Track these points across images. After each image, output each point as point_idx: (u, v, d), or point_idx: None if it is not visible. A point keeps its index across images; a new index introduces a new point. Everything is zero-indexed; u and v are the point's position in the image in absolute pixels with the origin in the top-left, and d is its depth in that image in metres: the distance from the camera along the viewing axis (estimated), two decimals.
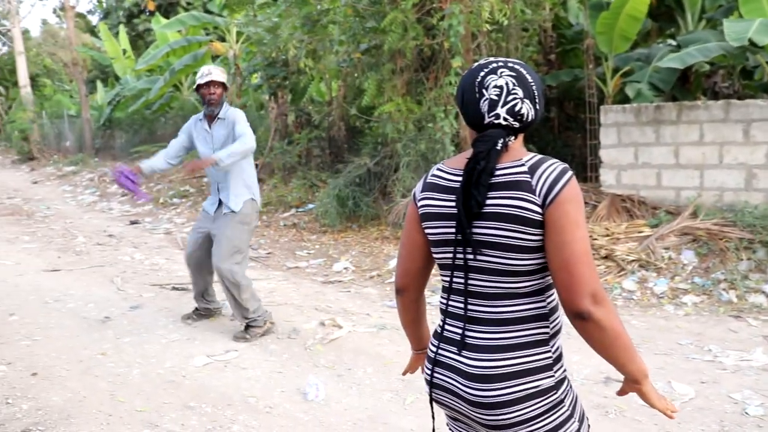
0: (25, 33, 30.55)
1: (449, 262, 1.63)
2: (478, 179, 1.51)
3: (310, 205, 9.94)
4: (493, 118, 1.54)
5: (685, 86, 8.09)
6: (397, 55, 7.46)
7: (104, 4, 29.22)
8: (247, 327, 4.81)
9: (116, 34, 21.12)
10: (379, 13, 7.35)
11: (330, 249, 8.00)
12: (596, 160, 7.56)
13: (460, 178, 1.59)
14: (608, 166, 7.31)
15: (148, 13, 25.98)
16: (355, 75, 8.58)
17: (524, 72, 1.57)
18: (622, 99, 7.84)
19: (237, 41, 13.64)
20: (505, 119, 1.54)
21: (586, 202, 7.33)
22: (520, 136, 1.62)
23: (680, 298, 5.44)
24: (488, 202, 1.51)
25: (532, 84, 1.56)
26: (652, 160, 7.02)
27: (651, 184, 7.03)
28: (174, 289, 6.28)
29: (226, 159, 4.45)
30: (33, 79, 27.06)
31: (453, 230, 1.60)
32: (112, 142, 19.01)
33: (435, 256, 1.70)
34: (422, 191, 1.70)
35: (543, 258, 1.52)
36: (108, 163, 17.23)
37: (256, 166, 11.82)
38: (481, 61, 1.62)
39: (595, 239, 6.34)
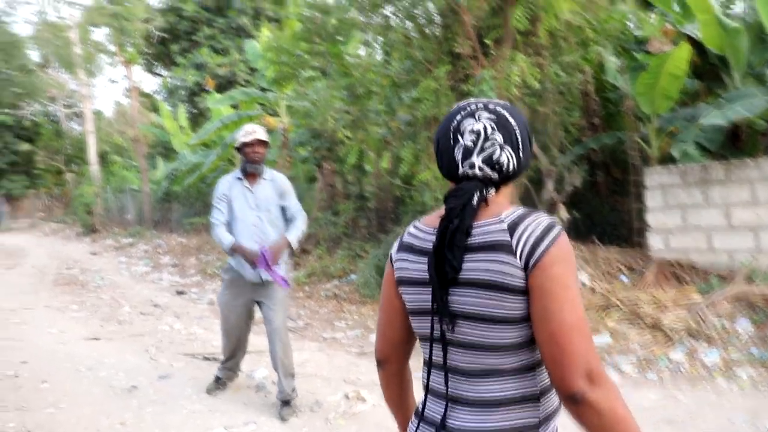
0: (98, 113, 32.33)
1: (427, 333, 1.43)
2: (451, 240, 1.32)
3: (353, 276, 9.85)
4: (467, 167, 1.38)
5: (736, 145, 7.76)
6: (432, 123, 7.45)
7: (169, 84, 30.75)
8: (286, 402, 4.62)
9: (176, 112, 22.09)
10: (413, 82, 7.40)
11: (368, 320, 7.84)
12: (643, 224, 7.26)
13: (433, 238, 1.41)
14: (655, 230, 7.00)
15: (208, 91, 27.22)
16: (394, 144, 8.60)
17: (507, 115, 1.40)
18: (669, 160, 7.58)
19: (286, 115, 14.02)
20: (480, 169, 1.37)
21: (632, 268, 7.01)
22: (504, 189, 1.44)
23: (734, 371, 5.02)
24: (465, 266, 1.32)
25: (515, 128, 1.39)
26: (701, 222, 6.69)
27: (701, 248, 6.67)
28: (205, 359, 6.22)
29: (297, 242, 4.62)
30: (103, 155, 28.42)
31: (429, 297, 1.40)
32: (170, 214, 19.58)
33: (413, 325, 1.51)
34: (398, 251, 1.52)
35: (530, 330, 1.31)
36: (164, 235, 17.71)
37: (303, 236, 12.07)
38: (461, 103, 1.46)
39: (641, 307, 6.00)
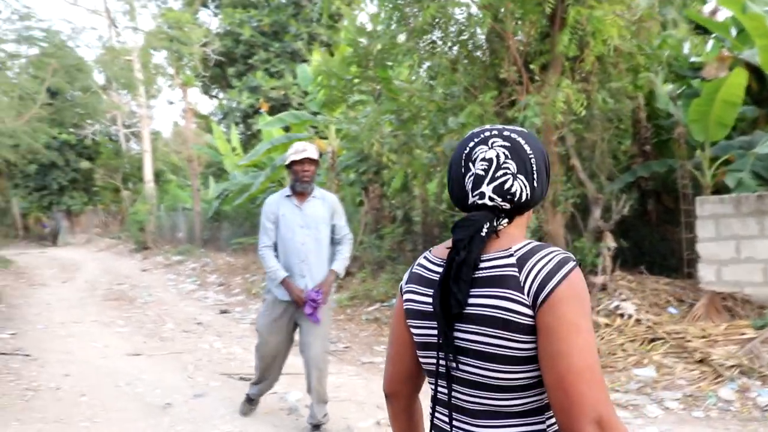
0: (157, 134, 33.34)
1: (433, 368, 1.37)
2: (457, 273, 1.26)
3: (395, 300, 9.77)
4: (477, 197, 1.31)
5: None
6: None
7: (224, 106, 31.50)
8: (316, 427, 4.55)
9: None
10: (458, 107, 7.35)
11: None
12: (693, 255, 6.99)
13: (441, 269, 1.35)
14: (706, 260, 6.73)
15: (262, 114, 27.79)
16: (438, 169, 8.55)
17: (522, 142, 1.34)
18: (723, 190, 7.30)
19: (335, 138, 14.14)
20: (491, 199, 1.30)
21: (681, 300, 6.75)
22: (518, 220, 1.36)
23: None
24: (471, 301, 1.25)
25: (531, 156, 1.32)
26: (756, 254, 6.40)
27: (756, 281, 6.38)
28: (241, 379, 6.22)
29: (342, 270, 4.56)
30: (158, 174, 29.20)
31: (436, 331, 1.34)
32: (219, 233, 19.91)
33: (420, 359, 1.44)
34: (407, 282, 1.47)
35: (539, 371, 1.23)
36: (212, 253, 17.99)
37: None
38: (475, 130, 1.40)
39: (689, 341, 5.75)
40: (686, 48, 8.84)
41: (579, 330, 1.17)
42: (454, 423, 1.35)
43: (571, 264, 1.23)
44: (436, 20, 6.92)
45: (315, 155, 4.44)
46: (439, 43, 7.26)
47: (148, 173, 25.50)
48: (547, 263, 1.22)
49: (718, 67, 7.56)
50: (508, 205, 1.32)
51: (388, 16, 7.68)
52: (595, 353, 1.18)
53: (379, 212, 12.11)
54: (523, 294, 1.20)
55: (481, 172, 1.32)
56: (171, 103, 51.14)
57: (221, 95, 32.96)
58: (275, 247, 4.57)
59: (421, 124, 7.95)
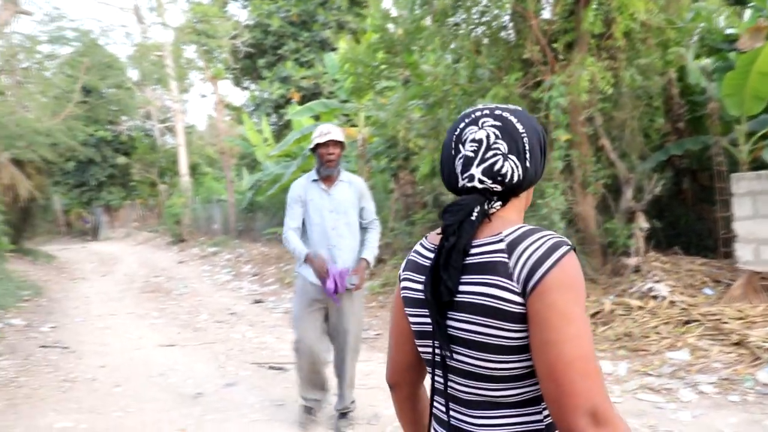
0: (192, 127, 33.77)
1: (430, 357, 1.34)
2: (447, 260, 1.21)
3: None
4: (466, 180, 1.27)
5: None
6: None
7: (256, 97, 31.70)
8: (343, 414, 4.53)
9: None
10: (483, 89, 7.24)
11: None
12: (730, 234, 6.79)
13: (433, 256, 1.30)
14: (744, 239, 6.52)
15: (294, 104, 27.92)
16: None
17: (514, 121, 1.27)
18: (760, 166, 7.06)
19: (365, 125, 14.11)
20: (481, 181, 1.25)
21: (718, 281, 6.57)
22: (514, 202, 1.31)
23: None
24: (461, 288, 1.21)
25: (524, 135, 1.26)
26: None
27: None
28: (271, 368, 6.27)
29: (373, 258, 4.41)
30: (194, 167, 29.58)
31: (430, 320, 1.30)
32: (253, 224, 20.10)
33: (418, 348, 1.39)
34: (404, 269, 1.42)
35: (532, 360, 1.18)
36: (246, 244, 18.18)
37: (379, 247, 12.09)
38: (467, 110, 1.35)
39: (726, 323, 5.59)
40: (721, 21, 8.56)
41: (570, 318, 1.11)
42: (451, 413, 1.31)
43: (564, 248, 1.17)
44: (459, 2, 6.81)
45: (340, 137, 4.27)
46: (463, 25, 7.14)
47: (183, 166, 25.84)
48: (537, 248, 1.16)
49: (754, 37, 7.27)
50: (499, 187, 1.26)
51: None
52: (588, 343, 1.12)
53: (409, 198, 12.05)
54: (512, 281, 1.15)
55: (471, 154, 1.26)
56: (204, 96, 51.67)
57: (253, 87, 33.18)
58: (303, 232, 4.42)
59: (447, 108, 7.85)
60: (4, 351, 6.82)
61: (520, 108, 1.37)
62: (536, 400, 1.23)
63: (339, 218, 4.28)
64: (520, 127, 1.28)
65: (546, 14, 7.06)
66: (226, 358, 6.73)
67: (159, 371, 6.19)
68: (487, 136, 1.26)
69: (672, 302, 6.24)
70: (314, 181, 4.38)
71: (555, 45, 6.85)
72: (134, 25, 23.13)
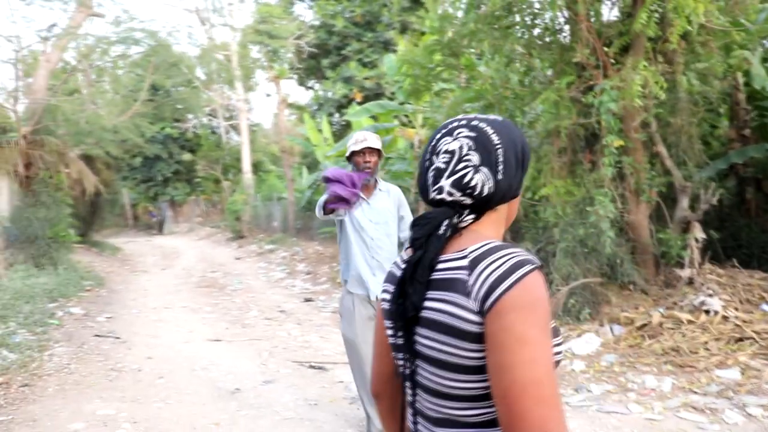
0: (257, 125, 34.49)
1: (402, 371, 1.32)
2: (413, 274, 1.20)
3: None
4: (435, 192, 1.24)
5: None
6: (554, 136, 7.12)
7: (319, 97, 32.12)
8: None
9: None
10: (535, 93, 7.12)
11: None
12: None
13: None
14: None
15: (356, 104, 28.14)
16: None
17: (489, 132, 1.24)
18: None
19: (423, 127, 14.09)
20: (450, 193, 1.22)
21: None
22: (490, 216, 1.27)
23: None
24: (426, 304, 1.19)
25: (498, 146, 1.23)
26: None
27: None
28: (311, 367, 6.33)
29: None
30: (257, 165, 30.19)
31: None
32: (310, 223, 20.35)
33: (396, 361, 1.38)
34: (384, 281, 1.42)
35: None
36: (302, 242, 18.43)
37: None
38: (447, 120, 1.33)
39: None
40: None
41: (526, 341, 1.07)
42: (418, 427, 1.30)
43: (527, 267, 1.12)
44: (509, 3, 6.70)
45: (376, 144, 4.04)
46: (514, 27, 7.02)
47: (246, 164, 26.42)
48: (499, 266, 1.12)
49: None
50: (468, 200, 1.23)
51: (467, 1, 7.52)
52: (545, 367, 1.07)
53: None
54: (469, 299, 1.12)
55: (443, 165, 1.24)
56: (268, 95, 52.63)
57: (317, 86, 33.63)
58: (343, 245, 4.15)
59: (499, 112, 7.75)
60: (61, 338, 7.13)
61: (501, 118, 1.34)
62: (497, 422, 1.19)
63: (380, 228, 4.06)
64: (495, 138, 1.25)
65: (602, 16, 6.86)
66: (269, 355, 6.83)
67: (202, 365, 6.34)
68: (460, 148, 1.24)
69: (725, 317, 5.98)
70: None
71: (609, 48, 6.66)
72: (198, 27, 23.64)
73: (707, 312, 6.20)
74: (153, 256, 18.34)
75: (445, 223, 1.22)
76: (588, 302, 7.11)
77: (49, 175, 11.53)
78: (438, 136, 1.30)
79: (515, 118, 7.90)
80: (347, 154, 4.11)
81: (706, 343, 5.78)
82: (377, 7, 28.27)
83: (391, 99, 22.47)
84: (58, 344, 6.84)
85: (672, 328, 6.17)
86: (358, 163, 4.05)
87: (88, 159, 15.58)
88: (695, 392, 5.04)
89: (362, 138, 4.06)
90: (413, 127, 15.13)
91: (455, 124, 1.29)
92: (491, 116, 1.33)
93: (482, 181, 1.21)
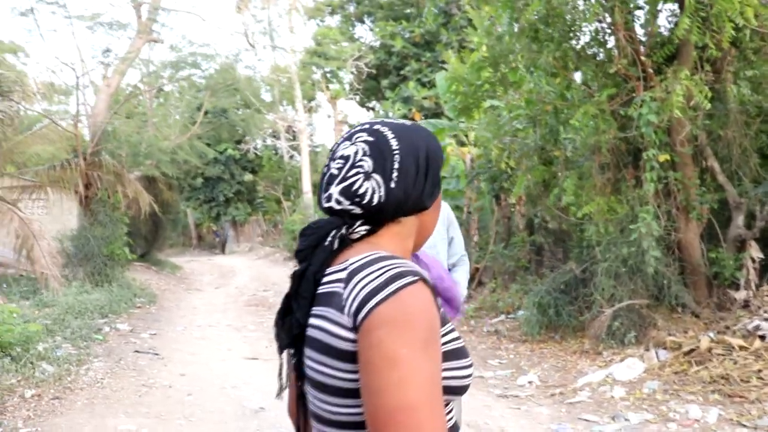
0: (320, 146, 35.01)
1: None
2: (297, 289, 1.11)
3: (521, 312, 9.36)
4: (325, 200, 1.15)
5: None
6: (596, 151, 6.84)
7: (380, 117, 32.38)
8: None
9: None
10: (574, 107, 6.87)
11: (523, 360, 7.36)
12: None
13: None
14: None
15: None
16: (560, 174, 8.04)
17: (389, 136, 1.14)
18: None
19: (474, 145, 13.92)
20: (338, 202, 1.12)
21: None
22: (392, 228, 1.15)
23: None
24: (309, 321, 1.08)
25: (395, 152, 1.12)
26: None
27: None
28: None
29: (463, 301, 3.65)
30: (317, 185, 30.53)
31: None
32: None
33: None
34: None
35: None
36: None
37: (477, 269, 11.79)
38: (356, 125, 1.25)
39: None
40: None
41: (396, 361, 0.95)
42: None
43: (407, 280, 1.00)
44: (545, 16, 6.51)
45: None
46: (550, 42, 6.80)
47: (306, 184, 26.76)
48: (374, 279, 1.00)
49: None
50: (357, 209, 1.12)
51: (508, 15, 7.37)
52: (418, 391, 0.94)
53: (510, 221, 11.69)
54: (343, 314, 1.01)
55: (335, 171, 1.14)
56: (329, 116, 53.52)
57: (377, 107, 33.89)
58: None
59: (539, 127, 7.54)
60: (102, 353, 7.27)
61: (409, 122, 1.23)
62: None
63: (428, 252, 3.70)
64: (394, 143, 1.13)
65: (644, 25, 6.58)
66: None
67: (233, 383, 6.33)
68: (355, 153, 1.13)
69: None
70: None
71: (652, 58, 6.37)
72: (248, 50, 24.15)
73: (762, 337, 5.77)
74: (210, 275, 18.70)
75: (332, 233, 1.11)
76: (633, 325, 6.77)
77: (107, 195, 11.93)
78: (339, 140, 1.20)
79: (559, 134, 7.66)
80: None
81: (759, 371, 5.36)
82: (436, 26, 28.33)
83: (450, 119, 22.42)
84: (97, 359, 6.98)
85: (722, 355, 5.77)
86: None
87: (149, 180, 16.07)
88: (744, 425, 4.67)
89: None
90: (466, 145, 14.98)
91: (359, 128, 1.19)
92: (401, 120, 1.22)
93: (372, 189, 1.10)
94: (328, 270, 1.09)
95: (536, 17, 6.53)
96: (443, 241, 3.55)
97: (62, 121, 12.32)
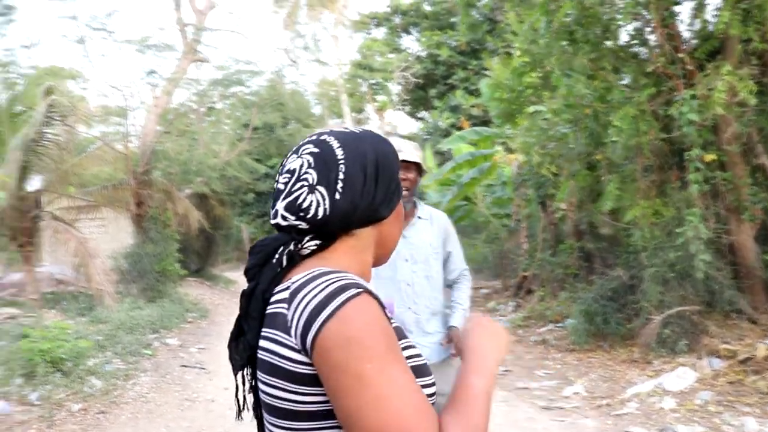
0: None
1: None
2: (247, 309, 1.08)
3: (569, 320, 9.13)
4: (272, 216, 1.12)
5: None
6: (638, 154, 6.63)
7: (428, 127, 32.31)
8: None
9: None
10: (613, 109, 6.68)
11: (569, 370, 7.16)
12: None
13: None
14: None
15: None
16: (602, 179, 7.83)
17: (335, 146, 1.10)
18: None
19: (519, 152, 13.73)
20: (284, 217, 1.09)
21: None
22: (347, 241, 1.11)
23: None
24: (260, 342, 1.05)
25: (341, 162, 1.08)
26: None
27: None
28: None
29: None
30: None
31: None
32: None
33: None
34: None
35: (332, 429, 0.99)
36: None
37: (524, 277, 11.59)
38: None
39: None
40: None
41: (364, 381, 0.91)
42: None
43: (347, 294, 0.96)
44: (579, 16, 6.36)
45: (413, 156, 3.05)
46: (584, 43, 6.64)
47: None
48: (314, 297, 0.96)
49: None
50: (303, 224, 1.08)
51: (544, 19, 7.25)
52: (398, 402, 0.91)
53: (557, 228, 11.45)
54: (290, 336, 0.97)
55: (282, 186, 1.11)
56: (378, 128, 53.88)
57: (426, 116, 33.89)
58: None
59: (579, 131, 7.36)
60: (150, 368, 7.42)
61: (360, 130, 1.18)
62: None
63: (418, 269, 3.09)
64: (339, 153, 1.10)
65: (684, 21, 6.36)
66: None
67: None
68: (301, 166, 1.10)
69: None
70: None
71: (694, 54, 6.14)
72: (289, 66, 24.47)
73: None
74: None
75: (279, 250, 1.07)
76: (685, 333, 6.49)
77: (158, 213, 12.26)
78: (289, 153, 1.17)
79: (600, 137, 7.45)
80: None
81: None
82: (481, 34, 28.19)
83: (499, 126, 22.21)
84: (144, 373, 7.13)
85: None
86: None
87: (200, 197, 16.42)
88: None
89: (397, 148, 3.06)
90: (513, 152, 14.77)
91: (306, 140, 1.16)
92: (350, 129, 1.18)
93: (317, 201, 1.07)
94: (276, 289, 1.06)
95: (570, 19, 6.39)
96: (436, 256, 3.14)
97: (114, 142, 12.73)
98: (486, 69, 27.23)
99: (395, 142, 3.14)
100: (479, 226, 17.51)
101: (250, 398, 1.20)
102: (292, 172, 1.10)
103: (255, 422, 1.17)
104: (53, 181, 10.86)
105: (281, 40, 40.23)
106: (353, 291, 0.96)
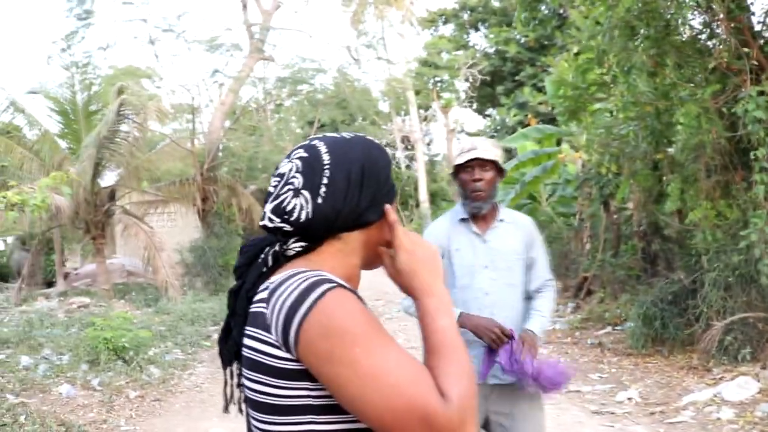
0: (436, 155, 35.20)
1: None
2: (234, 307, 1.14)
3: (628, 324, 8.87)
4: (261, 218, 1.17)
5: None
6: (702, 153, 6.37)
7: (496, 123, 31.96)
8: None
9: None
10: (675, 107, 6.45)
11: (624, 374, 6.97)
12: None
13: None
14: None
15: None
16: (664, 179, 7.56)
17: (322, 151, 1.14)
18: None
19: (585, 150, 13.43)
20: (270, 219, 1.13)
21: None
22: (334, 244, 1.14)
23: None
24: (244, 340, 1.10)
25: (326, 166, 1.11)
26: None
27: None
28: None
29: (542, 330, 2.81)
30: (434, 195, 30.66)
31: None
32: None
33: None
34: None
35: (315, 424, 1.02)
36: None
37: (585, 278, 11.31)
38: None
39: None
40: None
41: (355, 366, 0.95)
42: None
43: (321, 289, 1.00)
44: (638, 11, 6.16)
45: (488, 154, 2.77)
46: (643, 38, 6.42)
47: (422, 194, 26.97)
48: (290, 294, 1.01)
49: None
50: (287, 227, 1.12)
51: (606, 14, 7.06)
52: (398, 377, 0.95)
53: (619, 228, 11.13)
54: (271, 334, 1.02)
55: (272, 189, 1.16)
56: (444, 125, 53.65)
57: (494, 113, 33.53)
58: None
59: (640, 129, 7.13)
60: (207, 359, 7.67)
61: (351, 135, 1.22)
62: None
63: (498, 276, 2.81)
64: (325, 157, 1.14)
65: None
66: None
67: None
68: (290, 170, 1.15)
69: None
70: (462, 220, 2.88)
71: (764, 49, 5.86)
72: (353, 63, 24.65)
73: None
74: None
75: (266, 250, 1.14)
76: (749, 341, 6.22)
77: (222, 209, 12.64)
78: (284, 158, 1.22)
79: (662, 136, 7.21)
80: (451, 171, 2.96)
81: None
82: (549, 29, 27.66)
83: (566, 124, 21.74)
84: (201, 364, 7.37)
85: None
86: (464, 182, 2.82)
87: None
88: None
89: (468, 147, 2.83)
90: (578, 150, 14.45)
91: (299, 144, 1.21)
92: (342, 134, 1.22)
93: (300, 205, 1.11)
94: (260, 288, 1.10)
95: (632, 14, 6.19)
96: (519, 263, 2.85)
97: (183, 139, 13.18)
98: (551, 66, 26.82)
99: (468, 140, 2.95)
100: (542, 225, 17.20)
101: (238, 393, 1.25)
102: (281, 175, 1.15)
103: None
104: (125, 177, 11.35)
105: (346, 38, 40.75)
106: (328, 285, 1.01)
